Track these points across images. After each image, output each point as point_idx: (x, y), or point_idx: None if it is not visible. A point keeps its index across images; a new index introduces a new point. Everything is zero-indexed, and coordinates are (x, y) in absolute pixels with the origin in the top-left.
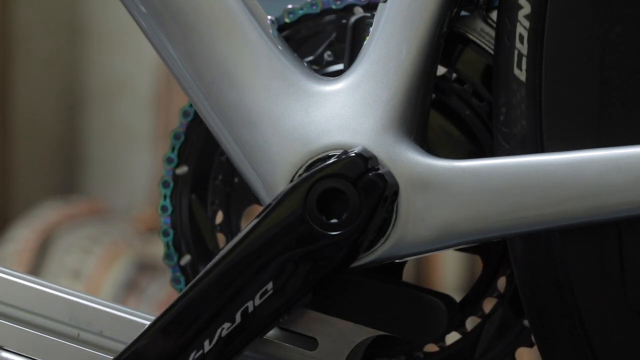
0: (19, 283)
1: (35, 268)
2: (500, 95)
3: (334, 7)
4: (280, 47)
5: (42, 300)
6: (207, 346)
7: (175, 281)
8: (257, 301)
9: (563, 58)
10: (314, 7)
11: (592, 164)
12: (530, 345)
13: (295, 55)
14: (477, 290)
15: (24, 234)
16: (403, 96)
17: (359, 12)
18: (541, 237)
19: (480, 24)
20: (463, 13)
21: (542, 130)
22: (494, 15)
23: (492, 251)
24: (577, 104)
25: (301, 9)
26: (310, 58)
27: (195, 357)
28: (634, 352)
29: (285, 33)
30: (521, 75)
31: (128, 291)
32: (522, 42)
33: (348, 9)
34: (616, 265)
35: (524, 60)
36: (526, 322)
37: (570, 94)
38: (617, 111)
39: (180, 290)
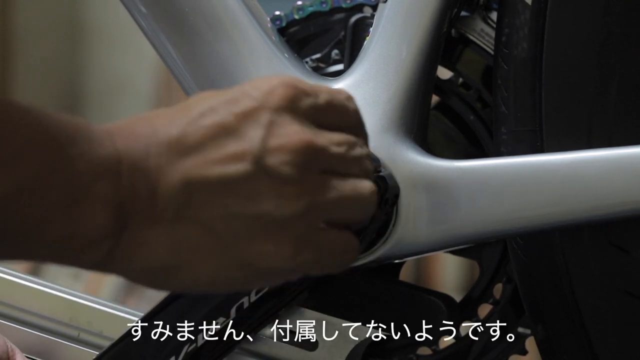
0: (19, 283)
1: (35, 268)
2: (504, 17)
3: (343, 5)
4: (280, 47)
5: (42, 300)
6: (200, 340)
7: None
8: (253, 297)
9: None
10: (324, 5)
11: (592, 164)
12: (524, 353)
13: (296, 55)
14: (473, 295)
15: None
16: (403, 96)
17: (368, 12)
18: (541, 237)
19: (480, 24)
20: (463, 13)
21: (542, 54)
22: (494, 15)
23: (490, 257)
24: (580, 32)
25: (310, 6)
26: (318, 56)
27: (189, 350)
28: (634, 352)
29: (293, 30)
30: None
31: (128, 291)
32: None
33: (357, 8)
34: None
35: None
36: (520, 329)
37: (574, 21)
38: (619, 40)
39: None
